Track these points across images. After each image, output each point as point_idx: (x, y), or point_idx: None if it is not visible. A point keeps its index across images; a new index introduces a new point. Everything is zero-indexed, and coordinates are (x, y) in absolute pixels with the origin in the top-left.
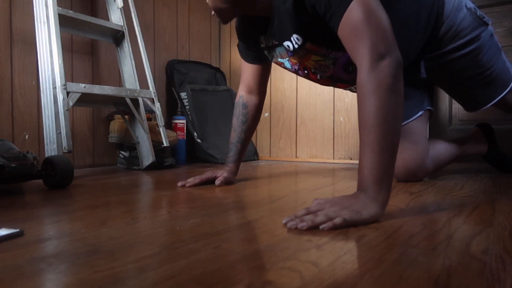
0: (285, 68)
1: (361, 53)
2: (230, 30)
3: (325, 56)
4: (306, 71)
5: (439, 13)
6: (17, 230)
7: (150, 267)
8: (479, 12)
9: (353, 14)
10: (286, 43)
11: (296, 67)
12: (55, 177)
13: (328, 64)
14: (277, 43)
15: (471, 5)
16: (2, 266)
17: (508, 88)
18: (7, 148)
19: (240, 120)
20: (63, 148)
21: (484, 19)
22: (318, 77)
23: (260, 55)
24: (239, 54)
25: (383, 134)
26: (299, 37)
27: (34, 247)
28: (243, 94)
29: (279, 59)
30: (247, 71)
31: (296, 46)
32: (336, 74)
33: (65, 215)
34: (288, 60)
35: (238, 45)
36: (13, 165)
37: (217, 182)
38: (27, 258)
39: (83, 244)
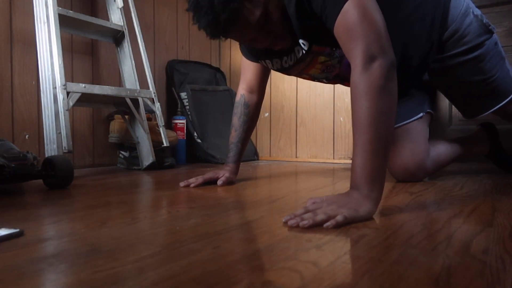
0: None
1: (354, 55)
2: None
3: (330, 55)
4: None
5: (444, 17)
6: (17, 230)
7: (150, 267)
8: (485, 19)
9: (348, 15)
10: (297, 48)
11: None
12: (55, 177)
13: (334, 63)
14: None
15: (478, 12)
16: (2, 266)
17: (509, 98)
18: (7, 148)
19: (242, 120)
20: (63, 148)
21: (490, 27)
22: (325, 80)
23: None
24: (241, 52)
25: (375, 134)
26: (305, 42)
27: (34, 247)
28: (244, 93)
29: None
30: (248, 70)
31: (303, 52)
32: (342, 73)
33: (65, 215)
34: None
35: (240, 44)
36: (13, 165)
37: (219, 182)
38: (27, 258)
39: (83, 244)
